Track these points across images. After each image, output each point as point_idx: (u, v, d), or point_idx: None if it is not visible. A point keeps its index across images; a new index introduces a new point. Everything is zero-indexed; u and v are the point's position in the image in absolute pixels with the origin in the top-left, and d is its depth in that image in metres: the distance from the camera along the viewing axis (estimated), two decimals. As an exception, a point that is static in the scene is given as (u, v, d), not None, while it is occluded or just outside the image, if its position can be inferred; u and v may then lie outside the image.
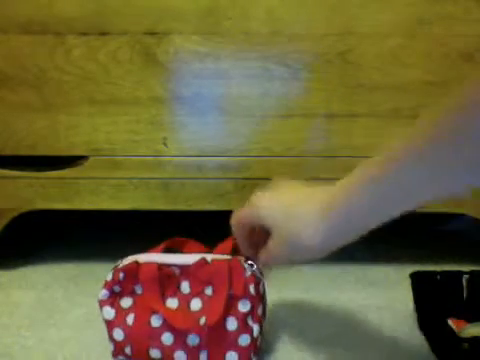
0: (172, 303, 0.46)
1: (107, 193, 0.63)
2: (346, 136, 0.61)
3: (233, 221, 0.45)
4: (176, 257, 0.47)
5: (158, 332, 0.45)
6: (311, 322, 0.55)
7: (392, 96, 0.59)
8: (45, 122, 0.60)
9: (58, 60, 0.58)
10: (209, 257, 0.46)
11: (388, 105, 0.60)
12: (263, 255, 0.44)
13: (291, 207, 0.40)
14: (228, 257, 0.46)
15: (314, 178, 0.62)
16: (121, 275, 0.46)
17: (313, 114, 0.60)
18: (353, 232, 0.38)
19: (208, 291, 0.46)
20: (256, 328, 0.45)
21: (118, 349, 0.46)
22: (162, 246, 0.49)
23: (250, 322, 0.45)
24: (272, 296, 0.52)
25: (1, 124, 0.60)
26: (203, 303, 0.45)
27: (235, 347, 0.44)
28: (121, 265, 0.47)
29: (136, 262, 0.46)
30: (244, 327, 0.44)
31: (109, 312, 0.46)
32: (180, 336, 0.44)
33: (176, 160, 0.62)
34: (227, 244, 0.48)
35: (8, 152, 0.61)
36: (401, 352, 0.50)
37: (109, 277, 0.46)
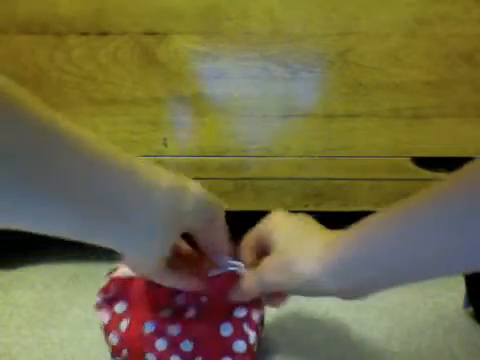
0: (166, 312, 0.45)
1: (107, 193, 0.63)
2: (346, 136, 0.61)
3: (244, 241, 0.45)
4: None
5: (152, 339, 0.44)
6: (310, 324, 0.55)
7: (392, 96, 0.59)
8: (45, 122, 0.60)
9: (58, 60, 0.58)
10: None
11: (388, 105, 0.60)
12: (253, 275, 0.42)
13: (301, 232, 0.40)
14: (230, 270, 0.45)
15: (314, 178, 0.63)
16: (114, 288, 0.45)
17: (313, 114, 0.60)
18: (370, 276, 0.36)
19: (203, 299, 0.45)
20: (252, 334, 0.44)
21: (115, 351, 0.46)
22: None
23: (246, 328, 0.44)
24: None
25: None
26: (198, 310, 0.45)
27: (230, 353, 0.43)
28: (116, 274, 0.46)
29: (130, 278, 0.45)
30: (240, 333, 0.43)
31: (104, 316, 0.46)
32: (174, 342, 0.44)
33: (176, 160, 0.62)
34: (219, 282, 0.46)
35: (8, 152, 0.61)
36: (401, 352, 0.50)
37: (104, 283, 0.46)
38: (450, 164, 0.61)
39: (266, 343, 0.50)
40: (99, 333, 0.50)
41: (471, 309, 0.55)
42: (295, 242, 0.39)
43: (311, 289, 0.38)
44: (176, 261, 0.40)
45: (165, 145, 0.61)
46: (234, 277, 0.43)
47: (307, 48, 0.58)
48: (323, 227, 0.41)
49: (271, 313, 0.53)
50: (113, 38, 0.57)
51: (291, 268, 0.38)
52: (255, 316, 0.45)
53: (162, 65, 0.58)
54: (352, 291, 0.37)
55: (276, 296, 0.45)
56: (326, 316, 0.56)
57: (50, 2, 0.56)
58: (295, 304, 0.59)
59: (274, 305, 0.45)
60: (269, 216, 0.43)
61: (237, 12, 0.56)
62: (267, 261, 0.41)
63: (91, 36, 0.57)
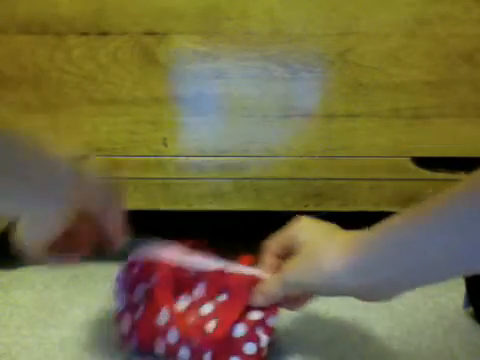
0: (182, 304, 0.45)
1: (107, 193, 0.63)
2: (346, 136, 0.61)
3: (268, 242, 0.46)
4: (197, 260, 0.47)
5: (164, 329, 0.44)
6: (311, 323, 0.55)
7: (392, 96, 0.59)
8: (45, 122, 0.60)
9: (58, 60, 0.58)
10: (232, 268, 0.46)
11: (388, 105, 0.60)
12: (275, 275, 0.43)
13: (325, 234, 0.41)
14: (251, 273, 0.45)
15: (314, 178, 0.63)
16: (136, 269, 0.46)
17: (313, 114, 0.60)
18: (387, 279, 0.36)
19: (222, 298, 0.45)
20: (264, 338, 0.44)
21: (124, 339, 0.46)
22: (190, 243, 0.49)
23: (259, 331, 0.44)
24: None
25: (1, 124, 0.60)
26: (214, 309, 0.45)
27: (240, 354, 0.43)
28: (139, 258, 0.47)
29: (154, 258, 0.46)
30: (252, 335, 0.43)
31: (119, 303, 0.46)
32: (185, 336, 0.44)
33: (176, 160, 0.62)
34: (244, 262, 0.48)
35: (8, 152, 0.61)
36: (401, 352, 0.50)
37: (123, 268, 0.47)
38: (450, 164, 0.61)
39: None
40: (99, 333, 0.50)
41: (471, 309, 0.55)
42: (319, 243, 0.40)
43: (332, 288, 0.39)
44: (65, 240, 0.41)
45: (165, 145, 0.61)
46: (255, 280, 0.44)
47: (307, 48, 0.58)
48: (343, 230, 0.42)
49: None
50: (113, 38, 0.57)
51: (313, 267, 0.39)
52: (270, 321, 0.45)
53: (162, 65, 0.58)
54: (371, 291, 0.38)
55: (296, 299, 0.45)
56: (326, 316, 0.56)
57: (50, 2, 0.56)
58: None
59: (293, 309, 0.46)
60: (294, 221, 0.44)
61: (237, 12, 0.56)
62: (290, 262, 0.42)
63: (91, 36, 0.57)
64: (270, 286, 0.43)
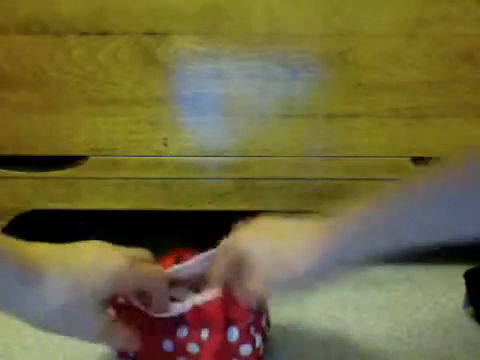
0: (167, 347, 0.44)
1: (107, 193, 0.63)
2: (346, 136, 0.61)
3: (218, 251, 0.45)
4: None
5: (157, 340, 0.44)
6: (311, 323, 0.55)
7: (392, 96, 0.59)
8: (45, 122, 0.60)
9: (58, 60, 0.58)
10: (201, 299, 0.44)
11: (388, 105, 0.60)
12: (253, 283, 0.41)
13: (280, 240, 0.40)
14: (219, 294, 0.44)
15: (314, 178, 0.63)
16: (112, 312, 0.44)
17: (313, 114, 0.60)
18: (351, 256, 0.37)
19: (204, 335, 0.44)
20: (258, 338, 0.44)
21: (121, 353, 0.46)
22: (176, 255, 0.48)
23: (252, 332, 0.44)
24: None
25: (1, 124, 0.60)
26: (200, 348, 0.44)
27: (237, 357, 0.44)
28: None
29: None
30: (246, 337, 0.44)
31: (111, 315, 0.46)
32: (180, 345, 0.43)
33: (176, 160, 0.62)
34: (170, 258, 0.47)
35: (8, 152, 0.61)
36: (401, 352, 0.50)
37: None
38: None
39: (266, 343, 0.50)
40: (99, 333, 0.50)
41: (471, 309, 0.55)
42: (282, 250, 0.39)
43: (313, 277, 0.39)
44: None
45: (165, 145, 0.61)
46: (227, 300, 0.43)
47: (307, 48, 0.58)
48: (285, 221, 0.41)
49: (271, 313, 0.53)
50: (113, 38, 0.57)
51: (289, 275, 0.38)
52: (261, 319, 0.45)
53: (162, 65, 0.58)
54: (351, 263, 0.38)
55: None
56: (326, 316, 0.56)
57: (50, 2, 0.56)
58: (295, 304, 0.59)
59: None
60: (237, 237, 0.43)
61: (237, 12, 0.56)
62: (260, 265, 0.40)
63: (91, 36, 0.57)
64: (253, 285, 0.41)
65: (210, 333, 0.43)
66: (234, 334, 0.43)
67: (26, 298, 0.33)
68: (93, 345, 0.50)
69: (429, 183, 0.34)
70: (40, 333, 0.52)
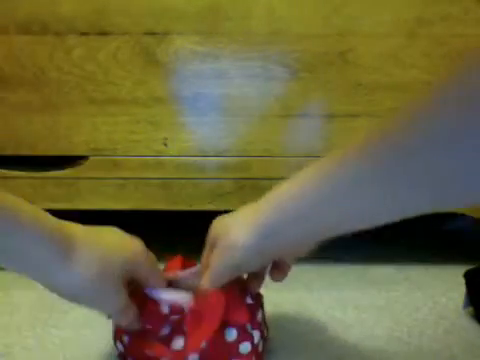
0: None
1: (107, 193, 0.63)
2: (346, 136, 0.61)
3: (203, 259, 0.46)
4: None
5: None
6: (311, 323, 0.55)
7: (392, 96, 0.59)
8: (45, 122, 0.60)
9: (58, 60, 0.58)
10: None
11: (388, 105, 0.60)
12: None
13: (232, 218, 0.42)
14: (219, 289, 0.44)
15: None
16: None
17: (313, 114, 0.60)
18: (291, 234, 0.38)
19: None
20: (256, 335, 0.44)
21: (121, 356, 0.46)
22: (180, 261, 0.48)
23: (249, 329, 0.44)
24: (272, 297, 0.52)
25: (1, 124, 0.60)
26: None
27: (237, 356, 0.44)
28: None
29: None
30: (244, 335, 0.44)
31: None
32: (179, 356, 0.43)
33: (176, 160, 0.62)
34: (176, 262, 0.48)
35: (8, 152, 0.61)
36: (401, 352, 0.50)
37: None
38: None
39: (266, 343, 0.50)
40: (99, 333, 0.50)
41: (471, 309, 0.55)
42: (227, 227, 0.41)
43: (252, 256, 0.40)
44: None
45: (165, 145, 0.61)
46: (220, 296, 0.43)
47: (307, 48, 0.58)
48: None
49: (271, 313, 0.53)
50: (113, 38, 0.57)
51: (226, 244, 0.40)
52: (258, 316, 0.45)
53: (162, 65, 0.58)
54: (290, 244, 0.40)
55: (277, 270, 0.46)
56: (326, 316, 0.56)
57: (50, 2, 0.56)
58: (295, 304, 0.59)
59: (278, 279, 0.46)
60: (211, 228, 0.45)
61: (237, 12, 0.56)
62: (212, 257, 0.42)
63: (91, 36, 0.57)
64: (205, 279, 0.43)
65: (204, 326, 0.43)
66: (233, 334, 0.44)
67: (61, 270, 0.36)
68: (93, 345, 0.50)
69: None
70: (40, 333, 0.53)
